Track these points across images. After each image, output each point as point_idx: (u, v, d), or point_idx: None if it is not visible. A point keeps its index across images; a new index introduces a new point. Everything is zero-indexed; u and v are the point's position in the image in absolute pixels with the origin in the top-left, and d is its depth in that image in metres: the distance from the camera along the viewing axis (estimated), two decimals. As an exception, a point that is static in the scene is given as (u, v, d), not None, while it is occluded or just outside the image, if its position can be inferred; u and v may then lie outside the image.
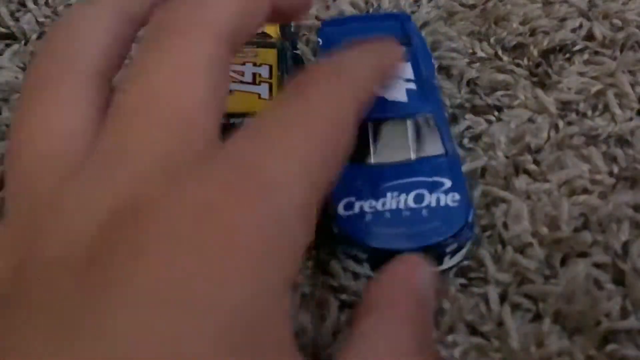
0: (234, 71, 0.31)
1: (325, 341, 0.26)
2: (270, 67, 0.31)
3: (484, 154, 0.32)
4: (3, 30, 0.40)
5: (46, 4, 0.41)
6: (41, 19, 0.40)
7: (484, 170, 0.32)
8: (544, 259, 0.28)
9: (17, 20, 0.40)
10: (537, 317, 0.26)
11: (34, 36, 0.39)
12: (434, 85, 0.33)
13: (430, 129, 0.30)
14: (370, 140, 0.29)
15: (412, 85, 0.31)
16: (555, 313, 0.26)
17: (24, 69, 0.37)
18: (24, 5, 0.41)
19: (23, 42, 0.39)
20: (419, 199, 0.27)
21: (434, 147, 0.29)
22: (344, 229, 0.27)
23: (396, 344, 0.21)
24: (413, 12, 0.39)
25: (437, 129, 0.29)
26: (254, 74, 0.31)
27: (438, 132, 0.29)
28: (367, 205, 0.27)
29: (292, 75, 0.32)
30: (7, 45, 0.39)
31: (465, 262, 0.28)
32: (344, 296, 0.27)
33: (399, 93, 0.30)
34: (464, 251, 0.28)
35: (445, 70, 0.36)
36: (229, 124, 0.29)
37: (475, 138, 0.33)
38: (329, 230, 0.28)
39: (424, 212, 0.27)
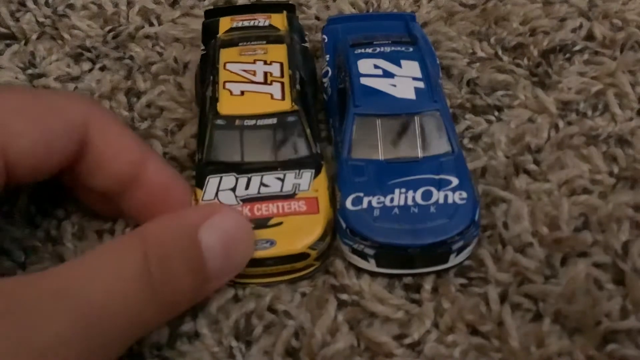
0: (245, 70, 0.31)
1: (324, 340, 0.26)
2: (281, 65, 0.31)
3: (484, 154, 0.32)
4: (3, 30, 0.40)
5: (46, 4, 0.41)
6: (41, 19, 0.40)
7: (484, 170, 0.32)
8: (544, 259, 0.28)
9: (17, 20, 0.40)
10: (537, 317, 0.26)
11: (34, 36, 0.39)
12: (440, 83, 0.33)
13: (437, 127, 0.30)
14: (379, 137, 0.29)
15: (420, 84, 0.31)
16: (555, 313, 0.26)
17: (24, 69, 0.37)
18: (24, 5, 0.41)
19: (23, 42, 0.39)
20: (427, 195, 0.27)
21: (440, 145, 0.29)
22: (351, 223, 0.27)
23: (111, 264, 0.21)
24: (413, 12, 0.39)
25: (444, 127, 0.30)
26: (265, 73, 0.31)
27: (445, 130, 0.30)
28: (375, 200, 0.27)
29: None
30: (7, 45, 0.39)
31: (466, 262, 0.28)
32: (344, 296, 0.27)
33: (407, 91, 0.30)
34: (469, 249, 0.28)
35: (445, 70, 0.36)
36: (243, 126, 0.29)
37: (475, 138, 0.33)
38: (335, 225, 0.28)
39: (432, 209, 0.27)
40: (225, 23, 0.34)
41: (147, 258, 0.22)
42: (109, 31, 0.39)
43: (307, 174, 0.28)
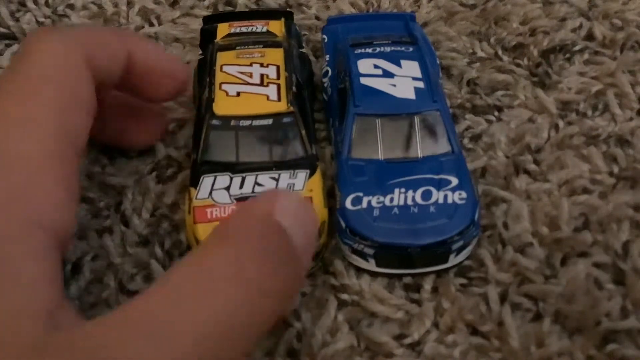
0: (242, 72, 0.31)
1: (324, 340, 0.26)
2: (278, 67, 0.31)
3: (484, 154, 0.32)
4: (3, 30, 0.40)
5: (46, 4, 0.41)
6: (41, 19, 0.40)
7: (484, 170, 0.32)
8: (544, 259, 0.28)
9: (17, 20, 0.40)
10: (537, 317, 0.26)
11: (34, 36, 0.39)
12: (440, 83, 0.33)
13: (437, 127, 0.30)
14: (379, 137, 0.29)
15: (420, 84, 0.31)
16: (555, 313, 0.26)
17: (24, 69, 0.37)
18: (24, 5, 0.41)
19: (23, 42, 0.39)
20: (426, 195, 0.27)
21: (440, 144, 0.29)
22: (351, 223, 0.27)
23: (204, 284, 0.20)
24: (413, 12, 0.39)
25: (444, 127, 0.30)
26: (262, 75, 0.31)
27: (445, 130, 0.30)
28: (374, 200, 0.27)
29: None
30: (7, 46, 0.39)
31: (466, 262, 0.28)
32: (344, 296, 0.27)
33: (407, 91, 0.30)
34: (469, 249, 0.28)
35: (445, 70, 0.36)
36: (239, 127, 0.29)
37: (475, 138, 0.33)
38: (335, 225, 0.28)
39: (432, 208, 0.27)
40: (223, 29, 0.34)
41: (239, 259, 0.20)
42: (109, 31, 0.39)
43: (302, 175, 0.28)
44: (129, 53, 0.27)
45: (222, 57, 0.32)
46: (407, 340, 0.26)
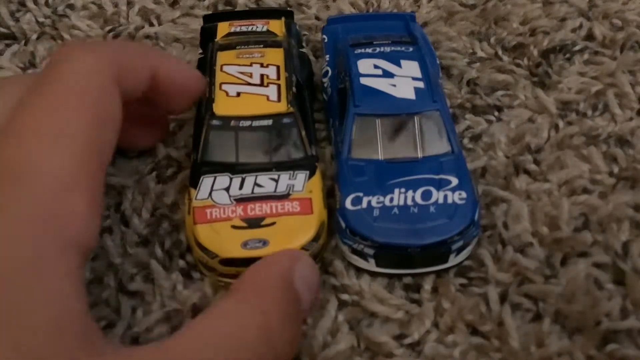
0: (242, 72, 0.31)
1: (325, 341, 0.26)
2: (278, 67, 0.31)
3: (484, 154, 0.32)
4: (3, 30, 0.40)
5: (46, 4, 0.41)
6: (41, 19, 0.40)
7: (484, 170, 0.32)
8: (544, 259, 0.28)
9: (17, 20, 0.40)
10: (537, 317, 0.26)
11: (34, 36, 0.39)
12: (440, 83, 0.33)
13: (437, 127, 0.30)
14: (379, 137, 0.29)
15: (420, 84, 0.31)
16: (555, 313, 0.26)
17: (24, 69, 0.37)
18: (24, 5, 0.41)
19: (23, 42, 0.39)
20: (426, 195, 0.27)
21: (440, 144, 0.29)
22: (351, 223, 0.27)
23: (235, 328, 0.22)
24: (413, 12, 0.39)
25: (444, 127, 0.30)
26: (262, 75, 0.31)
27: (445, 130, 0.30)
28: (374, 200, 0.27)
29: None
30: (7, 45, 0.39)
31: (466, 262, 0.28)
32: (344, 296, 0.27)
33: (407, 91, 0.31)
34: (469, 249, 0.28)
35: (445, 70, 0.36)
36: (238, 127, 0.29)
37: (475, 138, 0.33)
38: (335, 225, 0.28)
39: (432, 208, 0.27)
40: (223, 28, 0.34)
41: (267, 316, 0.22)
42: (109, 31, 0.39)
43: (302, 175, 0.28)
44: (152, 70, 0.27)
45: (222, 57, 0.32)
46: (407, 340, 0.26)
